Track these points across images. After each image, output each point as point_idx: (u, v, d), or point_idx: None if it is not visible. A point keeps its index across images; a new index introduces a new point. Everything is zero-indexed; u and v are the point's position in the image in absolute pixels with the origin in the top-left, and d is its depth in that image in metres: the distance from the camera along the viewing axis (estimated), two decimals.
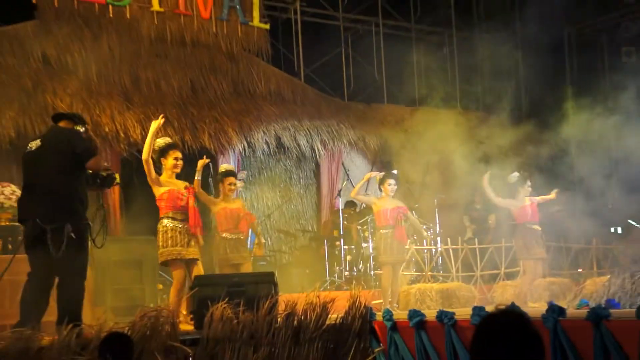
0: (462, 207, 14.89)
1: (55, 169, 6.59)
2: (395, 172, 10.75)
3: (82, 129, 6.98)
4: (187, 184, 8.48)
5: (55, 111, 11.09)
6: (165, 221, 8.12)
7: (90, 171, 6.86)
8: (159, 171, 8.23)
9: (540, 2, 15.56)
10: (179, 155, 8.45)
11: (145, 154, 8.03)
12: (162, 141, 8.46)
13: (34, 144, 6.79)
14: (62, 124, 6.98)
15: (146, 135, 10.34)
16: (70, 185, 6.63)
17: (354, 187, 12.64)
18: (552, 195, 11.05)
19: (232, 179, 9.48)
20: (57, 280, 6.62)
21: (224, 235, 9.28)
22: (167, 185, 8.22)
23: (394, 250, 10.00)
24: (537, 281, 11.12)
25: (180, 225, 8.14)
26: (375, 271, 12.12)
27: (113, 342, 5.19)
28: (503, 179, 11.51)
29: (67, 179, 6.60)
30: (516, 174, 11.11)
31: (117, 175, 7.22)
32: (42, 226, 6.40)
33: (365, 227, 12.70)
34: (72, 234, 6.45)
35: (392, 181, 10.20)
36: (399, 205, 10.19)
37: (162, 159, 8.34)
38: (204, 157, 8.97)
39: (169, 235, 8.09)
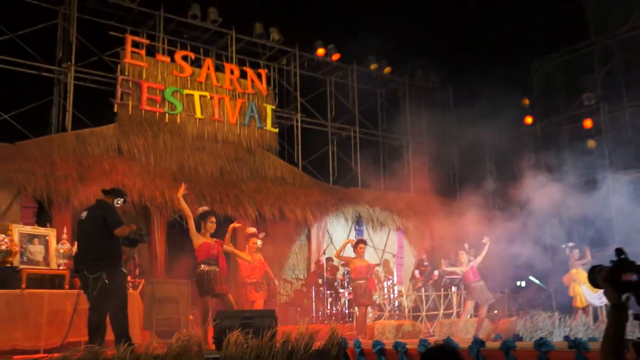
0: (413, 264, 14.87)
1: (96, 234, 6.63)
2: (364, 239, 10.76)
3: (120, 201, 7.01)
4: (217, 239, 8.49)
5: (125, 187, 11.21)
6: (202, 265, 8.11)
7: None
8: (199, 229, 8.24)
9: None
10: (214, 219, 8.47)
11: (187, 212, 8.08)
12: (202, 209, 8.54)
13: (84, 214, 6.88)
14: (106, 197, 7.01)
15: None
16: (106, 245, 6.63)
17: (335, 248, 12.66)
18: (485, 242, 10.73)
19: (255, 239, 9.55)
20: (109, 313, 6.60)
21: (246, 280, 9.28)
22: (203, 239, 8.23)
23: (367, 295, 9.95)
24: (472, 320, 10.98)
25: (213, 269, 8.12)
26: (350, 310, 12.00)
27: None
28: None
29: (104, 241, 6.62)
30: (465, 246, 11.06)
31: (144, 236, 7.02)
32: (87, 276, 6.49)
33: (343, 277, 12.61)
34: (106, 280, 6.46)
35: (363, 245, 10.23)
36: (369, 263, 10.19)
37: (202, 221, 8.36)
38: (235, 221, 8.95)
39: (205, 276, 8.07)
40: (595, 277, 2.24)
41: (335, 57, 16.60)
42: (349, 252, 10.74)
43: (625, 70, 16.16)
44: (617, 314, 2.14)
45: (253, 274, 9.41)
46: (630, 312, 2.30)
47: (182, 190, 8.25)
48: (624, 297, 2.16)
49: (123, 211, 11.23)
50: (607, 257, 2.31)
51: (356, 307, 10.61)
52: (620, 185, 15.09)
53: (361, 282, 9.92)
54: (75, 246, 7.74)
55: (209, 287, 8.04)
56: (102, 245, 6.64)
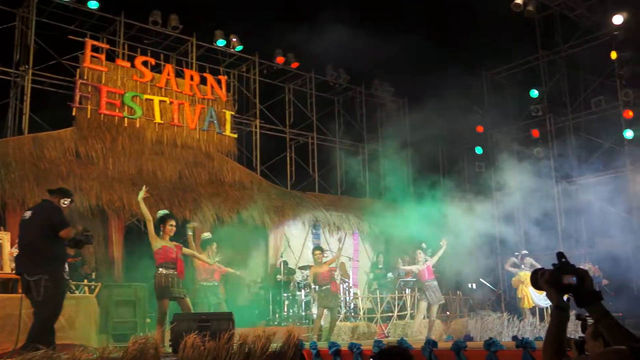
0: (368, 267, 14.94)
1: (40, 234, 6.32)
2: (321, 246, 10.76)
3: (67, 201, 6.66)
4: (176, 242, 8.36)
5: (82, 191, 10.97)
6: (160, 269, 7.96)
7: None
8: (158, 232, 8.09)
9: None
10: (174, 223, 8.33)
11: (147, 215, 7.94)
12: (162, 212, 8.38)
13: (28, 214, 6.53)
14: (51, 197, 6.64)
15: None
16: (50, 246, 6.33)
17: (292, 251, 12.64)
18: (442, 244, 10.88)
19: (214, 244, 9.48)
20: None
21: (203, 283, 9.18)
22: (162, 242, 8.09)
23: (330, 299, 9.95)
24: (425, 321, 11.07)
25: (171, 272, 7.98)
26: (306, 312, 11.98)
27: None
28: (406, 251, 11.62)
29: (48, 242, 6.31)
30: (423, 245, 11.20)
31: (90, 237, 6.66)
32: (27, 278, 6.20)
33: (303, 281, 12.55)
34: (48, 283, 6.17)
35: (319, 252, 10.24)
36: (330, 267, 10.19)
37: (161, 225, 8.22)
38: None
39: (163, 279, 7.92)
40: (538, 279, 2.29)
41: (294, 65, 16.63)
42: (309, 261, 10.75)
43: (569, 84, 16.67)
44: (559, 314, 2.19)
45: (211, 277, 9.31)
46: (572, 312, 2.36)
47: (142, 192, 8.09)
48: (564, 298, 2.22)
49: (80, 216, 11.02)
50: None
51: (315, 310, 10.58)
52: (566, 193, 15.52)
53: (326, 287, 9.91)
54: (16, 247, 7.47)
55: (166, 291, 7.90)
56: (45, 247, 6.32)
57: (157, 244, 8.03)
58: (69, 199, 6.74)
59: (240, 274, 10.07)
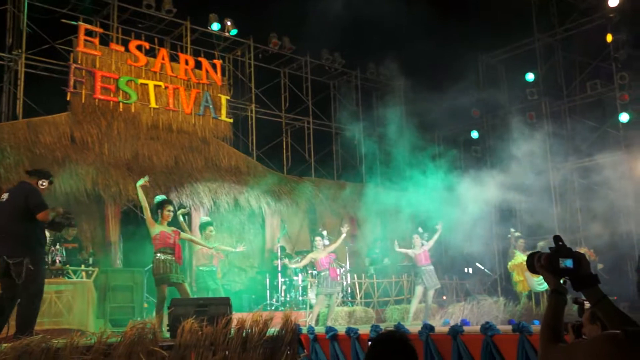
0: (364, 252, 14.99)
1: (17, 217, 6.24)
2: (325, 232, 10.75)
3: (45, 182, 6.58)
4: (174, 228, 8.37)
5: (78, 176, 10.95)
6: (158, 254, 7.98)
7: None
8: (156, 218, 8.09)
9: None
10: (171, 208, 8.33)
11: (144, 202, 7.94)
12: (160, 197, 8.37)
13: (5, 196, 6.44)
14: (30, 178, 6.56)
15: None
16: (28, 229, 6.26)
17: (289, 236, 12.66)
18: (438, 228, 10.97)
19: (211, 228, 9.47)
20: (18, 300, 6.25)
21: (201, 268, 9.19)
22: (160, 228, 8.09)
23: (329, 284, 9.97)
24: (421, 306, 11.14)
25: (169, 258, 8.00)
26: (303, 297, 12.03)
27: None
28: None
29: (25, 225, 6.25)
30: (419, 229, 11.24)
31: (71, 220, 6.73)
32: (7, 261, 6.14)
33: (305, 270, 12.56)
34: (30, 266, 6.14)
35: (318, 238, 10.25)
36: (329, 253, 10.19)
37: (158, 210, 8.22)
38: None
39: (161, 264, 7.94)
40: (534, 263, 2.30)
41: (289, 49, 16.55)
42: (306, 246, 10.75)
43: (565, 67, 16.63)
44: (556, 297, 2.21)
45: (210, 262, 9.33)
46: (569, 296, 2.38)
47: (142, 180, 8.07)
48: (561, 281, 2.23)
49: (77, 201, 11.02)
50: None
51: (315, 296, 10.59)
52: (561, 177, 15.56)
53: (324, 273, 9.93)
54: None
55: (164, 276, 7.93)
56: (23, 229, 6.25)
57: (155, 229, 8.03)
58: (48, 180, 6.64)
59: (237, 249, 10.05)
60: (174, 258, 8.04)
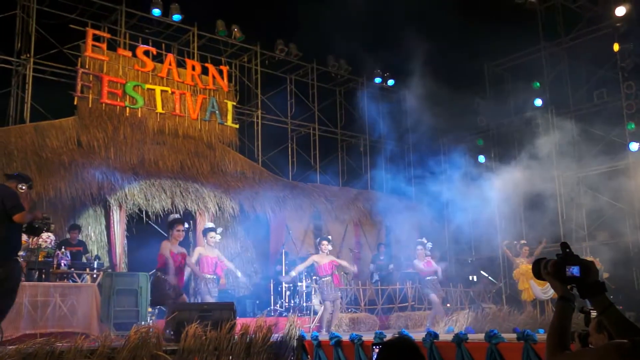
0: (369, 258, 14.95)
1: None
2: (327, 237, 10.69)
3: (24, 186, 6.42)
4: (183, 250, 8.36)
5: (84, 180, 10.98)
6: (158, 273, 8.03)
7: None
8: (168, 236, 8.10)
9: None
10: (181, 227, 8.31)
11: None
12: (171, 217, 8.36)
13: None
14: (8, 182, 6.40)
15: (144, 199, 10.39)
16: (1, 232, 6.03)
17: (294, 243, 12.64)
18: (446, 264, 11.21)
19: (212, 233, 9.37)
20: None
21: (206, 275, 9.16)
22: (170, 249, 8.12)
23: (333, 290, 9.93)
24: (425, 312, 11.14)
25: (169, 278, 8.03)
26: (307, 303, 11.99)
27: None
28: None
29: (1, 228, 6.05)
30: (423, 240, 11.20)
31: (49, 225, 6.51)
32: None
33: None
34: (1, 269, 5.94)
35: (325, 242, 10.15)
36: (332, 259, 10.13)
37: (170, 230, 8.23)
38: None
39: (160, 284, 7.96)
40: (540, 269, 2.28)
41: (296, 55, 16.59)
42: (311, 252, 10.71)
43: (571, 76, 16.58)
44: (563, 305, 2.18)
45: (211, 270, 9.29)
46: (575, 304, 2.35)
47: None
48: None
49: (82, 205, 11.03)
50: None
51: (319, 302, 10.57)
52: (567, 186, 15.50)
53: (327, 279, 9.88)
54: None
55: (161, 295, 7.98)
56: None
57: (165, 251, 8.05)
58: (27, 185, 6.50)
59: (240, 277, 10.01)
60: (175, 279, 8.08)
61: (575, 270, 2.18)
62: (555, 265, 2.21)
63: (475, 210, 14.53)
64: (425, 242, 11.06)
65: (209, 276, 9.06)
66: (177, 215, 8.52)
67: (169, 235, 8.13)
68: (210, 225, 9.77)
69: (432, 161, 16.82)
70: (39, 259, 8.46)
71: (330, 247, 10.10)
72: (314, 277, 11.14)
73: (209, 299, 8.62)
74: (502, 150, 16.30)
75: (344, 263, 10.68)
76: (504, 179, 13.62)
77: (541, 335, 5.91)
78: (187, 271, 9.09)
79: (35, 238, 7.40)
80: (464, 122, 17.24)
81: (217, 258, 9.23)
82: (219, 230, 10.21)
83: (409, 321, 11.64)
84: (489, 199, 13.25)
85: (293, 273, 10.41)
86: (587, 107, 15.92)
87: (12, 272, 6.15)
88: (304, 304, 12.05)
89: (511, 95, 17.45)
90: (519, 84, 17.01)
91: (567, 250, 2.24)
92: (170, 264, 8.02)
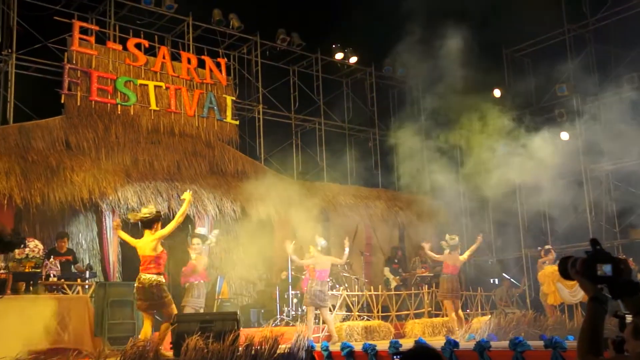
0: (382, 261, 14.93)
1: None
2: (323, 241, 10.67)
3: None
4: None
5: (73, 184, 11.00)
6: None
7: None
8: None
9: None
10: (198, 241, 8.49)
11: (133, 241, 8.12)
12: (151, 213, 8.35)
13: None
14: None
15: (138, 203, 10.43)
16: None
17: (300, 246, 12.56)
18: (478, 239, 11.20)
19: (197, 240, 9.48)
20: None
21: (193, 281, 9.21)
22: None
23: (325, 296, 9.91)
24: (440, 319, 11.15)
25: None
26: (316, 311, 11.96)
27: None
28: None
29: None
30: (448, 236, 11.29)
31: (21, 240, 6.61)
32: None
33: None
34: None
35: (323, 244, 10.19)
36: (328, 265, 10.16)
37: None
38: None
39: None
40: (568, 268, 2.25)
41: (299, 45, 16.57)
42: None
43: (598, 61, 16.46)
44: (595, 307, 2.15)
45: (195, 277, 9.33)
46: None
47: (116, 224, 8.26)
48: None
49: (72, 211, 11.04)
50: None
51: (314, 310, 10.53)
52: (595, 180, 15.41)
53: (320, 283, 9.85)
54: None
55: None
56: None
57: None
58: None
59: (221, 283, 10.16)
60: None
61: (607, 269, 2.15)
62: (584, 263, 2.18)
63: (495, 208, 14.47)
64: (448, 238, 11.14)
65: (196, 282, 9.17)
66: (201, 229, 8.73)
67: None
68: (201, 231, 9.80)
69: (445, 155, 16.74)
70: (26, 270, 8.50)
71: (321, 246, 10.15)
72: (303, 276, 11.05)
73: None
74: (524, 141, 16.19)
75: (335, 260, 10.60)
76: (526, 174, 13.56)
77: (571, 343, 5.88)
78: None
79: (20, 248, 7.36)
80: (483, 112, 17.15)
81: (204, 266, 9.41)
82: (215, 232, 10.27)
83: (425, 329, 11.60)
84: (511, 195, 13.19)
85: (303, 263, 10.43)
86: (616, 93, 15.79)
87: None
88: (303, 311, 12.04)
89: (532, 83, 17.36)
90: (541, 71, 16.93)
91: (598, 247, 2.21)
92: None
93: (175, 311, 7.66)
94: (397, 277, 14.01)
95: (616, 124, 14.93)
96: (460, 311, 11.11)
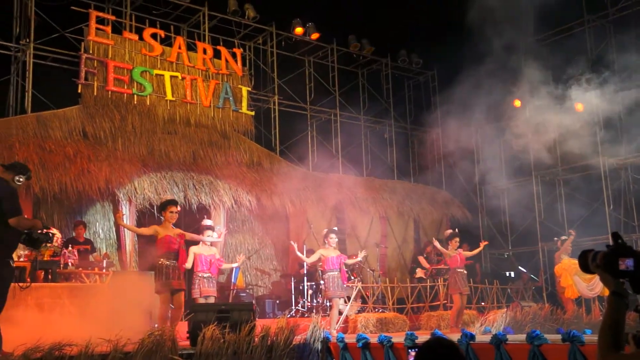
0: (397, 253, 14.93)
1: None
2: (335, 228, 10.71)
3: (22, 178, 6.24)
4: (180, 231, 8.54)
5: (90, 173, 11.12)
6: (161, 259, 8.17)
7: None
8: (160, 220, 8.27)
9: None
10: (174, 209, 8.49)
11: (137, 230, 8.82)
12: (164, 198, 8.55)
13: None
14: (4, 174, 6.19)
15: (154, 193, 10.56)
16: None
17: (315, 237, 12.66)
18: (481, 245, 11.31)
19: (208, 232, 9.49)
20: None
21: (200, 274, 9.24)
22: (164, 232, 8.30)
23: (340, 287, 9.94)
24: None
25: (172, 263, 8.20)
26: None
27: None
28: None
29: None
30: (449, 231, 11.35)
31: (49, 237, 6.38)
32: None
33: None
34: None
35: (333, 235, 10.15)
36: (340, 253, 10.17)
37: (162, 212, 8.40)
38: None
39: (164, 271, 8.13)
40: (588, 262, 2.26)
41: (314, 36, 16.55)
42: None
43: (619, 52, 16.28)
44: (616, 301, 2.16)
45: (207, 268, 9.39)
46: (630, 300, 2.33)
47: (119, 216, 8.58)
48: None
49: (89, 199, 11.16)
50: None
51: (343, 302, 10.62)
52: (614, 174, 15.31)
53: (333, 273, 9.88)
54: None
55: (166, 283, 8.10)
56: None
57: (160, 233, 8.24)
58: (24, 176, 6.31)
59: (238, 264, 10.21)
60: (176, 264, 8.22)
61: (629, 263, 2.16)
62: (605, 256, 2.19)
63: (512, 201, 14.42)
64: (450, 231, 11.22)
65: (203, 274, 9.21)
66: (168, 196, 8.77)
67: (163, 219, 8.34)
68: (208, 222, 9.85)
69: (461, 149, 16.68)
70: (45, 258, 8.61)
71: (336, 240, 10.13)
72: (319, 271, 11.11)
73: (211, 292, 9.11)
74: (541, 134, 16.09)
75: (350, 261, 10.71)
76: (543, 164, 13.51)
77: (588, 336, 5.87)
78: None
79: (45, 248, 7.49)
80: (498, 105, 17.04)
81: (214, 256, 9.41)
82: (217, 228, 10.40)
83: (441, 321, 11.62)
84: (526, 190, 13.14)
85: (308, 260, 10.47)
86: (637, 85, 15.62)
87: (6, 277, 6.03)
88: (328, 304, 12.09)
89: (550, 75, 17.21)
90: (559, 62, 16.77)
91: (619, 240, 2.22)
92: (170, 247, 8.20)
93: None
94: (425, 270, 13.95)
95: (635, 116, 14.80)
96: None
